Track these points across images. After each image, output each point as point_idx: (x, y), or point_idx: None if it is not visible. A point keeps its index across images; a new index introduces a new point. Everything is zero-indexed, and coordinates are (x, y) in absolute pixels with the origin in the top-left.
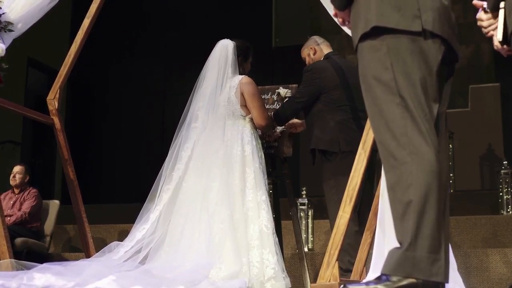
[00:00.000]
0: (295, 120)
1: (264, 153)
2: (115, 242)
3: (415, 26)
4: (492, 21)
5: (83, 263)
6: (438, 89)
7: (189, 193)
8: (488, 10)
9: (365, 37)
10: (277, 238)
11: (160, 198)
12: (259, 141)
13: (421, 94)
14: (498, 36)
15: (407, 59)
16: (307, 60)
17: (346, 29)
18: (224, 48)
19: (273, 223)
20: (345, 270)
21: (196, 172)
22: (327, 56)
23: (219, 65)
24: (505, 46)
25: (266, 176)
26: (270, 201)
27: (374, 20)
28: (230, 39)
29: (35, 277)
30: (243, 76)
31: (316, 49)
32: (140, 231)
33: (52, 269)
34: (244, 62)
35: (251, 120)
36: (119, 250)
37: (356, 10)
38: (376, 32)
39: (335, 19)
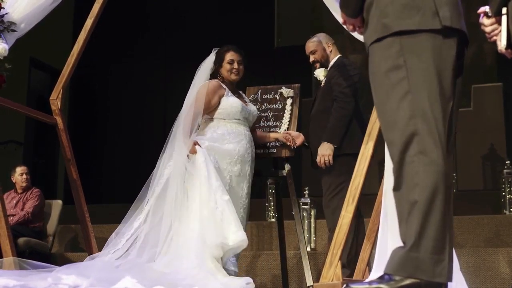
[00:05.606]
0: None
1: (266, 153)
2: (115, 232)
3: (435, 24)
4: (495, 26)
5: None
6: (453, 86)
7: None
8: (490, 15)
9: (380, 39)
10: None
11: (153, 191)
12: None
13: (435, 92)
14: (502, 42)
15: (423, 56)
16: (319, 54)
17: (355, 34)
18: (206, 68)
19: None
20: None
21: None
22: (345, 58)
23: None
24: (509, 50)
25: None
26: (272, 201)
27: (394, 25)
28: (225, 44)
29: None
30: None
31: (332, 48)
32: (136, 220)
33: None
34: (220, 67)
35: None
36: (120, 240)
37: (369, 14)
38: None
39: (344, 27)
